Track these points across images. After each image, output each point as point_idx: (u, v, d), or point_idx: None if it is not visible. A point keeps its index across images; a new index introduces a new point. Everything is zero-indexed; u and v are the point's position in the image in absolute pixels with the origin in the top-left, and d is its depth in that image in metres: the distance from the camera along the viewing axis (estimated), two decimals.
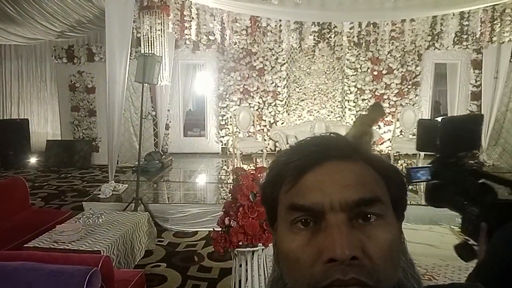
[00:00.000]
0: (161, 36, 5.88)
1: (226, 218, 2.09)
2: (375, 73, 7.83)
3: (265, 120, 8.05)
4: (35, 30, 6.40)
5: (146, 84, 4.79)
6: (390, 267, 0.50)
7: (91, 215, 3.84)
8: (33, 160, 8.29)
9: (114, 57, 4.86)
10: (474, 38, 7.17)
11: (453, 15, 6.46)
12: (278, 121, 8.03)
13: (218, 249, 2.13)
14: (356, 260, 0.47)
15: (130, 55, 5.22)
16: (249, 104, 7.98)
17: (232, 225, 2.00)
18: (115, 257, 3.28)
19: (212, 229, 2.42)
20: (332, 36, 7.51)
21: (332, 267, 0.47)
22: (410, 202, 5.16)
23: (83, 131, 8.18)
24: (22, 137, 8.18)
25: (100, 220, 3.76)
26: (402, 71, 7.82)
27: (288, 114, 8.11)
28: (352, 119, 7.96)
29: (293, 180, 0.53)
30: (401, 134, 7.63)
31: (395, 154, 7.14)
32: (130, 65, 5.19)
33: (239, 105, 7.94)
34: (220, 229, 2.15)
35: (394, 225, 0.53)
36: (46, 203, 5.77)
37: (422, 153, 6.77)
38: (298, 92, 8.12)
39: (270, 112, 8.05)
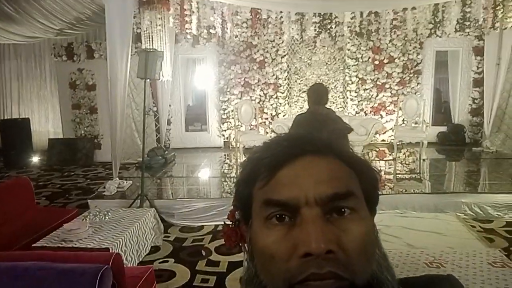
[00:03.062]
0: (162, 31, 5.85)
1: (236, 212, 2.08)
2: (376, 62, 7.80)
3: (266, 113, 8.03)
4: (34, 29, 6.37)
5: (148, 80, 4.76)
6: (365, 260, 0.51)
7: (97, 213, 3.84)
8: (35, 159, 8.27)
9: (115, 54, 4.82)
10: (476, 24, 7.13)
11: (455, 2, 6.42)
12: (280, 113, 8.01)
13: (229, 243, 2.12)
14: (332, 254, 0.48)
15: (130, 51, 5.19)
16: (251, 97, 7.96)
17: None
18: (123, 254, 3.28)
19: (220, 223, 2.40)
20: (333, 26, 7.47)
21: (308, 261, 0.48)
22: (414, 191, 5.17)
23: (85, 128, 8.16)
24: (23, 136, 8.16)
25: (106, 217, 3.76)
26: (403, 60, 7.79)
27: (290, 106, 8.09)
28: (354, 109, 7.96)
29: (267, 176, 0.54)
30: (403, 123, 7.62)
31: (398, 144, 7.13)
32: (130, 61, 5.16)
33: (240, 99, 7.92)
34: (230, 223, 2.15)
35: (367, 219, 0.54)
36: (51, 202, 5.77)
37: (426, 142, 6.78)
38: (299, 83, 8.09)
39: (271, 105, 8.03)
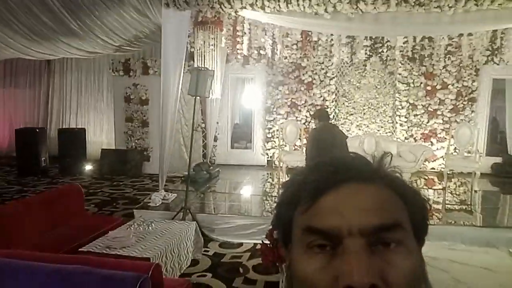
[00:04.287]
0: (214, 51, 6.03)
1: (275, 232, 2.08)
2: (429, 88, 7.60)
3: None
4: (95, 44, 6.78)
5: (198, 97, 4.91)
6: None
7: (141, 223, 3.96)
8: (88, 167, 8.66)
9: (169, 71, 5.03)
10: None
11: None
12: None
13: (266, 262, 2.12)
14: None
15: (183, 69, 5.39)
16: (296, 117, 7.97)
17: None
18: (163, 265, 3.35)
19: (259, 242, 2.41)
20: (385, 50, 7.39)
21: None
22: (464, 223, 4.92)
23: (136, 141, 8.48)
24: (79, 145, 8.60)
25: (150, 228, 3.87)
26: (457, 87, 7.54)
27: None
28: (403, 135, 7.76)
29: (310, 201, 0.51)
30: (455, 151, 7.32)
31: (448, 172, 6.85)
32: (182, 79, 5.35)
33: (286, 119, 7.96)
34: (268, 242, 2.15)
35: (415, 252, 0.51)
36: (99, 209, 6.01)
37: (478, 172, 6.47)
38: (347, 106, 8.03)
39: None
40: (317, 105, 7.92)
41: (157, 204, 5.23)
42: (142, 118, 8.36)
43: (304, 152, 5.45)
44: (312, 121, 6.59)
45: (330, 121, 5.12)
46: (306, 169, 0.56)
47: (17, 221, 3.53)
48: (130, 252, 3.26)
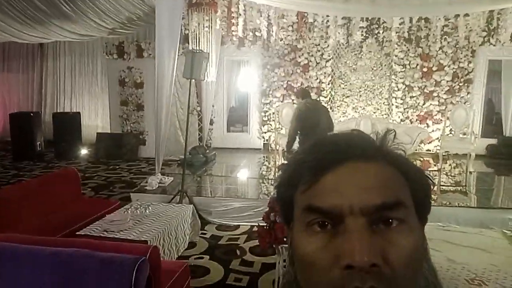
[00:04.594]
0: (209, 33, 5.97)
1: (271, 214, 2.10)
2: (425, 69, 7.58)
3: None
4: (88, 27, 6.68)
5: (193, 80, 4.87)
6: (412, 275, 0.48)
7: (138, 206, 3.97)
8: (84, 151, 8.65)
9: (163, 54, 4.97)
10: None
11: None
12: None
13: (263, 244, 2.15)
14: (376, 268, 0.45)
15: (178, 51, 5.34)
16: (292, 100, 7.94)
17: (278, 221, 2.02)
18: (161, 247, 3.37)
19: (255, 224, 2.43)
20: (381, 31, 7.34)
21: (351, 274, 0.45)
22: (458, 204, 4.98)
23: (131, 124, 8.44)
24: (74, 129, 8.56)
25: (147, 211, 3.88)
26: (453, 68, 7.52)
27: (332, 111, 8.00)
28: (399, 117, 7.78)
29: (310, 181, 0.50)
30: (450, 133, 7.34)
31: (443, 154, 6.88)
32: (177, 61, 5.30)
33: (282, 101, 7.93)
34: (265, 224, 2.17)
35: (417, 230, 0.50)
36: (96, 193, 6.02)
37: (474, 154, 6.51)
38: (343, 88, 8.01)
39: None
40: (313, 87, 7.90)
41: (154, 188, 5.24)
42: (137, 101, 8.31)
43: (287, 132, 5.55)
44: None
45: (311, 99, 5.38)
46: (306, 148, 0.54)
47: (13, 205, 3.53)
48: (128, 235, 3.28)
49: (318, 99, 7.10)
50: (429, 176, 0.55)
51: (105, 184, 6.52)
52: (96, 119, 9.77)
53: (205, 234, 4.36)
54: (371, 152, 0.52)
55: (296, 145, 4.96)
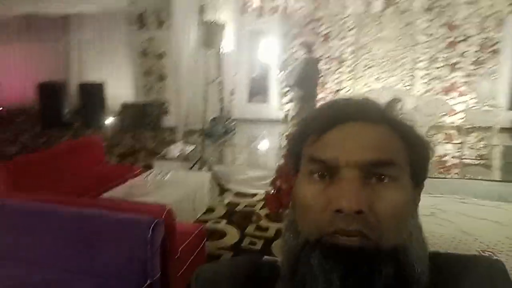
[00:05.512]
0: (227, 3, 5.94)
1: (278, 180, 2.18)
2: (450, 40, 7.35)
3: (327, 88, 7.93)
4: None
5: (213, 51, 4.92)
6: (394, 226, 0.53)
7: (159, 173, 4.13)
8: (109, 121, 8.89)
9: (181, 24, 5.01)
10: None
11: None
12: (343, 88, 7.88)
13: (271, 209, 2.24)
14: (362, 214, 0.51)
15: (196, 22, 5.35)
16: None
17: (283, 187, 2.10)
18: (179, 211, 3.51)
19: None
20: (402, 0, 7.12)
21: (338, 216, 0.51)
22: (478, 178, 4.92)
23: (154, 94, 8.59)
24: (99, 99, 8.79)
25: (167, 177, 4.03)
26: (480, 38, 7.26)
27: (354, 82, 7.92)
28: (423, 88, 7.63)
29: (317, 135, 0.57)
30: (476, 105, 7.18)
31: (468, 127, 6.76)
32: (198, 32, 5.33)
33: None
34: (273, 190, 2.26)
35: (407, 189, 0.56)
36: (121, 160, 6.24)
37: (499, 127, 6.37)
38: (365, 59, 7.88)
39: (335, 79, 7.91)
40: (334, 58, 7.81)
41: (176, 156, 5.39)
42: (160, 72, 8.42)
43: None
44: None
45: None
46: (318, 108, 0.62)
47: (43, 170, 3.73)
48: (147, 199, 3.43)
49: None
50: (431, 147, 0.60)
51: (130, 152, 6.73)
52: (121, 89, 9.95)
53: (223, 200, 4.50)
54: (374, 115, 0.57)
55: None
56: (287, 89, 8.07)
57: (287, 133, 6.75)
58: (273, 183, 2.23)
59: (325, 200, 0.53)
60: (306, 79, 5.36)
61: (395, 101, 0.61)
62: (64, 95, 8.63)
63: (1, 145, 7.10)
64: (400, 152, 0.56)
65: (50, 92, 8.47)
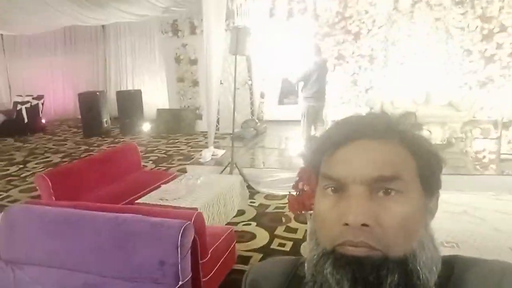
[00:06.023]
0: (255, 7, 6.04)
1: (300, 183, 2.25)
2: (485, 32, 7.13)
3: (358, 86, 7.87)
4: (143, 7, 7.01)
5: (243, 55, 5.01)
6: (401, 237, 0.56)
7: (191, 177, 4.28)
8: (145, 127, 9.20)
9: (211, 30, 5.15)
10: None
11: None
12: (373, 86, 7.81)
13: (293, 211, 2.31)
14: (368, 227, 0.55)
15: (228, 27, 5.48)
16: (344, 69, 7.86)
17: (305, 189, 2.17)
18: (210, 214, 3.66)
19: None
20: None
21: (347, 229, 0.56)
22: None
23: (188, 100, 8.83)
24: (136, 106, 9.12)
25: (199, 181, 4.17)
26: None
27: (386, 79, 7.82)
28: (457, 83, 7.43)
29: (330, 152, 0.62)
30: None
31: (505, 121, 6.54)
32: (227, 37, 5.45)
33: (333, 71, 7.86)
34: (295, 193, 2.33)
35: (414, 201, 0.59)
36: (156, 165, 6.47)
37: None
38: (397, 55, 7.76)
39: (366, 77, 7.84)
40: (365, 55, 7.75)
41: (207, 160, 5.54)
42: (192, 78, 8.64)
43: None
44: None
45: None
46: (333, 126, 0.66)
47: (84, 177, 3.97)
48: (180, 203, 3.58)
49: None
50: (439, 156, 0.63)
51: (165, 157, 6.96)
52: (156, 95, 10.29)
53: (253, 203, 4.60)
54: (382, 131, 0.61)
55: None
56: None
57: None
58: (295, 185, 2.30)
59: (337, 213, 0.58)
60: (319, 78, 5.74)
61: (406, 114, 0.65)
62: (103, 104, 9.01)
63: (46, 155, 7.53)
64: (407, 165, 0.60)
65: (89, 102, 8.88)
